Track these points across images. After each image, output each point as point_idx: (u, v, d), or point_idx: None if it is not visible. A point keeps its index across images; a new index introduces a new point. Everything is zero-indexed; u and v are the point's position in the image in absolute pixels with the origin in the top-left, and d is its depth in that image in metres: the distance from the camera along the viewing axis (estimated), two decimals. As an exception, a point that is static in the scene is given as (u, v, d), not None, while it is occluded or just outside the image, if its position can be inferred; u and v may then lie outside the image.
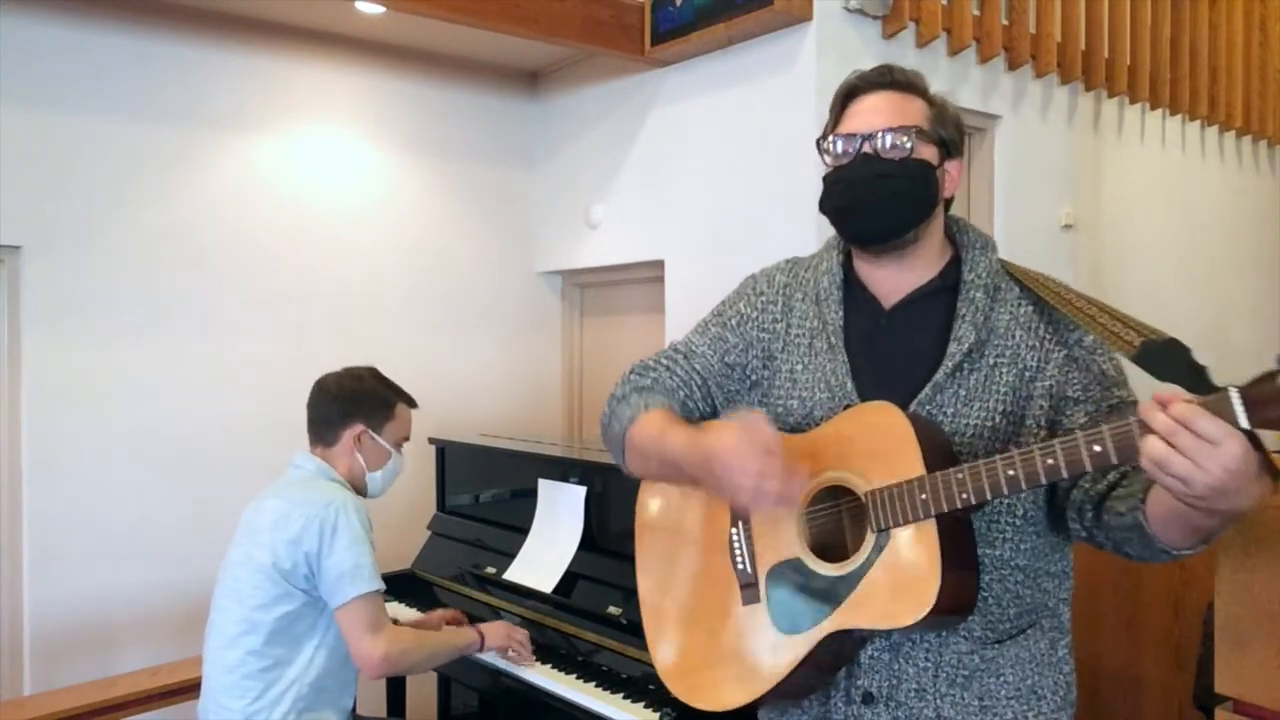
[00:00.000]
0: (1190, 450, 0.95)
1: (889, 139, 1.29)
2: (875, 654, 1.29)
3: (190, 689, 2.51)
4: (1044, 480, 1.09)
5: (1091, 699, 2.70)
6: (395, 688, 2.81)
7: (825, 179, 1.37)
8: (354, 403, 2.25)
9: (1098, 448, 1.04)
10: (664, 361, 1.47)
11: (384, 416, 2.26)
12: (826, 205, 1.36)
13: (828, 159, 1.35)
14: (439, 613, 2.52)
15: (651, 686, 2.04)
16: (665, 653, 1.42)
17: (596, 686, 2.11)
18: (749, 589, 1.32)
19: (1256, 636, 1.59)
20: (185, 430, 3.08)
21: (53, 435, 2.87)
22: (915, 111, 1.31)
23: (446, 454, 3.06)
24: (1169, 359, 1.10)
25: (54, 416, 2.88)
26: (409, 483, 3.35)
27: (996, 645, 1.28)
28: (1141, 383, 1.27)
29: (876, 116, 1.30)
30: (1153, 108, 4.02)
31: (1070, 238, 3.64)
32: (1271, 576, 1.63)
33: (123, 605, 2.97)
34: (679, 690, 1.39)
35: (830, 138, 1.35)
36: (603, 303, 3.95)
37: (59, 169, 2.88)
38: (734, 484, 1.17)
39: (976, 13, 3.19)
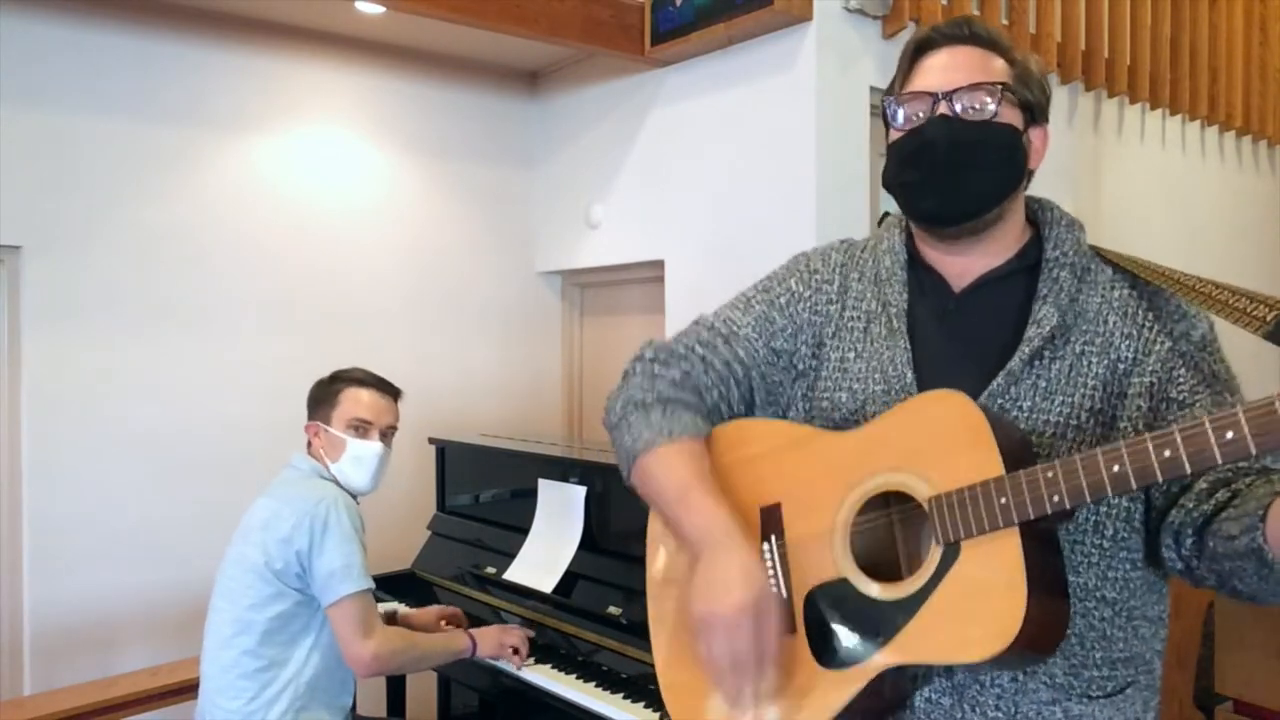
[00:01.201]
0: None
1: (970, 98, 1.10)
2: (934, 698, 1.09)
3: (190, 689, 2.51)
4: (1160, 477, 0.88)
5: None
6: (395, 687, 2.81)
7: (891, 146, 1.17)
8: (308, 404, 2.28)
9: (1230, 434, 0.83)
10: (698, 350, 1.24)
11: (329, 405, 2.24)
12: (892, 178, 1.17)
13: (895, 122, 1.15)
14: (435, 609, 2.52)
15: (651, 686, 2.04)
16: (677, 693, 1.20)
17: (596, 686, 2.11)
18: (782, 616, 1.09)
19: (1256, 636, 1.59)
20: (185, 430, 3.08)
21: (53, 435, 2.87)
22: (998, 70, 1.12)
23: (446, 454, 3.06)
24: None
25: (54, 416, 2.88)
26: (409, 483, 3.36)
27: (1085, 701, 1.07)
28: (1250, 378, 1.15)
29: (955, 73, 1.11)
30: (1153, 108, 4.02)
31: (1070, 238, 3.64)
32: (1271, 576, 1.62)
33: (123, 605, 2.97)
34: None
35: (897, 96, 1.15)
36: (603, 303, 3.95)
37: (59, 169, 2.88)
38: (706, 642, 1.04)
39: (976, 13, 3.19)
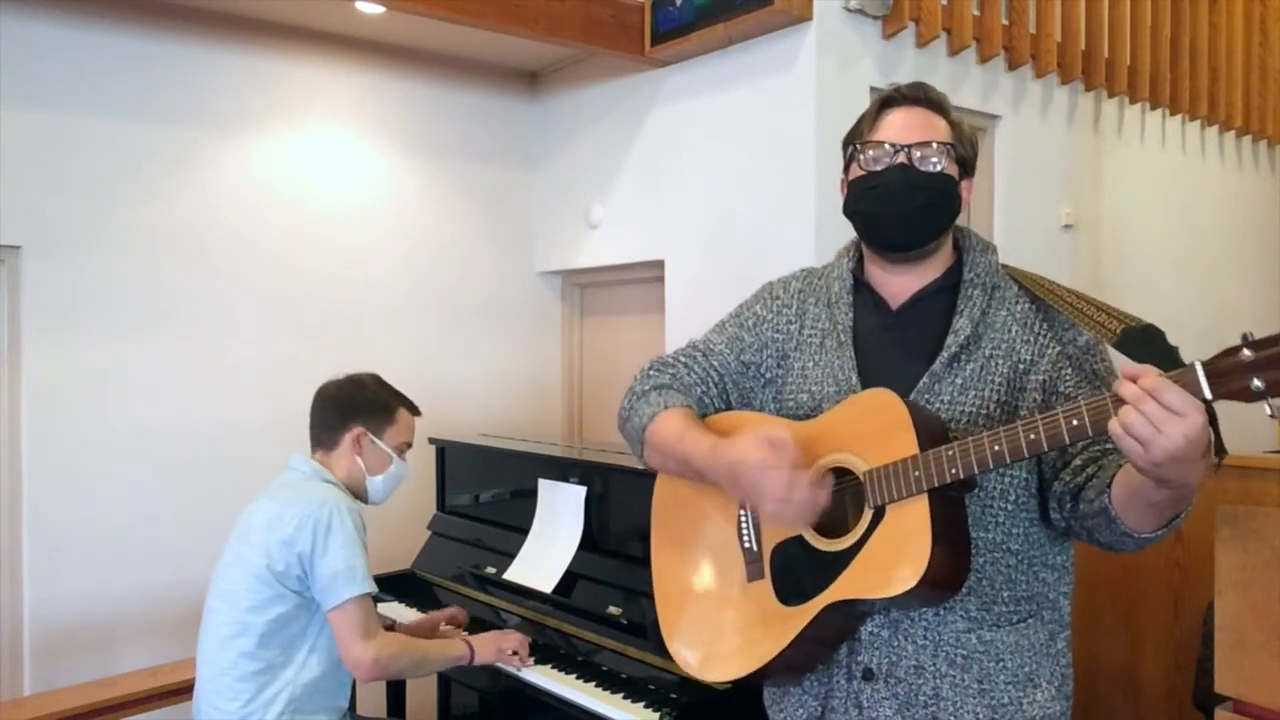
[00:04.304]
0: (1154, 417, 1.01)
1: (925, 152, 1.35)
2: (875, 630, 1.34)
3: (190, 689, 2.51)
4: (1027, 454, 1.13)
5: (1091, 699, 2.70)
6: (395, 688, 2.81)
7: (855, 184, 1.41)
8: (353, 406, 2.24)
9: (1075, 421, 1.09)
10: (683, 359, 1.54)
11: (384, 419, 2.24)
12: (856, 209, 1.41)
13: (860, 162, 1.39)
14: (439, 613, 2.52)
15: (651, 687, 2.04)
16: (674, 627, 1.48)
17: (596, 686, 2.11)
18: (754, 565, 1.37)
19: (1256, 636, 1.59)
20: (185, 430, 3.08)
21: (53, 435, 2.88)
22: (943, 129, 1.38)
23: (446, 454, 3.06)
24: (1146, 342, 1.19)
25: (54, 416, 2.88)
26: (409, 483, 3.35)
27: (995, 629, 1.33)
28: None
29: (912, 130, 1.36)
30: (1153, 108, 4.02)
31: (1070, 238, 3.64)
32: (1271, 576, 1.62)
33: (123, 605, 2.97)
34: (685, 663, 1.45)
35: (862, 141, 1.40)
36: (603, 303, 3.95)
37: (59, 169, 2.88)
38: (758, 498, 1.26)
39: (976, 13, 3.19)
